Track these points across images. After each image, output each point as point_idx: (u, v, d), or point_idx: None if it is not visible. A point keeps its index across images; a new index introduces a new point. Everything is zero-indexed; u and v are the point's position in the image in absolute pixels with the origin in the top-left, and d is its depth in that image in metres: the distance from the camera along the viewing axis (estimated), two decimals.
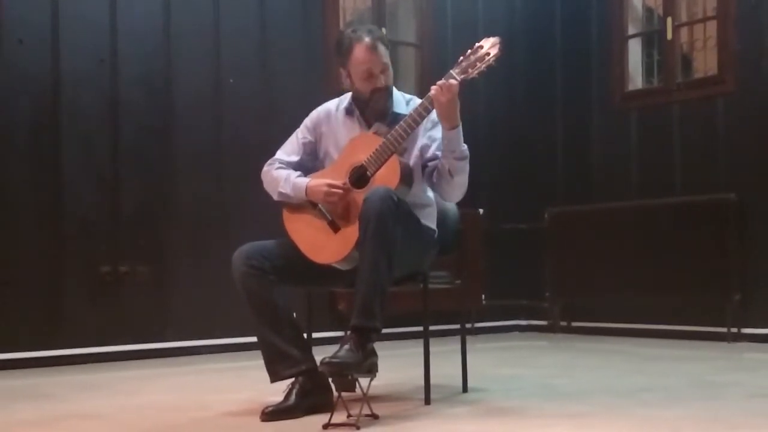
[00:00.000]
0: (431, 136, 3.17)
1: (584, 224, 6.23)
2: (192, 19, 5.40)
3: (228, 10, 5.51)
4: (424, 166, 3.17)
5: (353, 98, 3.24)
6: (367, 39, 3.11)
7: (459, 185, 3.09)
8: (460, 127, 3.02)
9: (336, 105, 3.29)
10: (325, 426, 2.75)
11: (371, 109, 3.19)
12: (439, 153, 3.11)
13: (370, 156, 3.04)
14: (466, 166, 3.06)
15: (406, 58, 6.50)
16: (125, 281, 5.09)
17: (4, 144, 4.84)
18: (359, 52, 3.11)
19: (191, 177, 5.35)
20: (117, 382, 4.25)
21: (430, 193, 3.28)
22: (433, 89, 2.98)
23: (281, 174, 3.20)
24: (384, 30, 6.02)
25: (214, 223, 5.37)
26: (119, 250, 5.10)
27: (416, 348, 3.29)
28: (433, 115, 3.10)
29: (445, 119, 3.01)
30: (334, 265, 3.06)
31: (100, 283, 5.02)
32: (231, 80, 5.51)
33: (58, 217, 4.94)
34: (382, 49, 3.14)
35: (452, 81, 2.97)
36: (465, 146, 3.05)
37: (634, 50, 6.36)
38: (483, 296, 5.89)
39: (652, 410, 3.06)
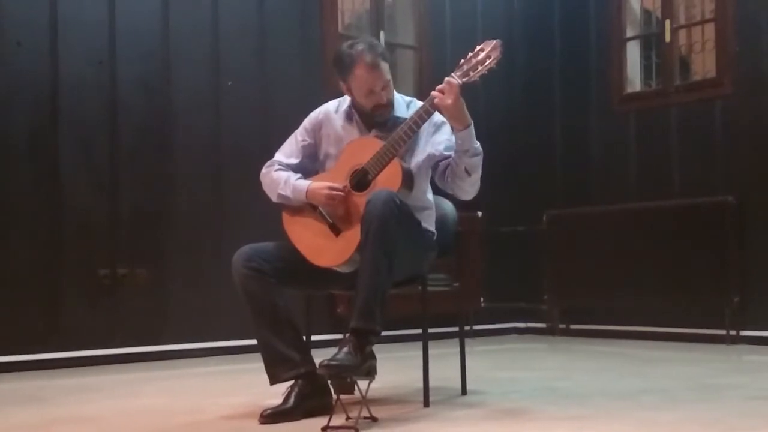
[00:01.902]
0: (435, 140, 3.17)
1: (583, 227, 6.23)
2: (191, 21, 5.40)
3: (227, 12, 5.51)
4: (434, 168, 3.17)
5: (353, 105, 3.23)
6: (368, 57, 3.06)
7: (475, 182, 3.11)
8: (472, 126, 3.03)
9: (336, 107, 3.28)
10: (324, 428, 2.74)
11: (372, 121, 3.18)
12: (447, 153, 3.12)
13: (371, 159, 3.04)
14: (480, 162, 3.08)
15: (405, 60, 6.50)
16: (124, 284, 5.09)
17: (3, 146, 4.84)
18: (361, 70, 3.07)
19: (190, 179, 5.35)
20: (114, 385, 4.24)
21: (430, 196, 3.28)
22: (435, 95, 2.98)
23: (281, 176, 3.20)
24: (382, 34, 6.07)
25: (213, 225, 5.37)
26: (118, 253, 5.10)
27: (415, 350, 3.29)
28: (435, 117, 3.11)
29: (456, 120, 3.01)
30: (334, 268, 3.06)
31: (98, 285, 5.01)
32: (229, 83, 5.50)
33: (57, 220, 4.93)
34: (383, 65, 3.09)
35: (453, 81, 2.97)
36: (478, 143, 3.06)
37: (633, 53, 6.36)
38: (482, 299, 5.89)
39: (651, 412, 3.06)
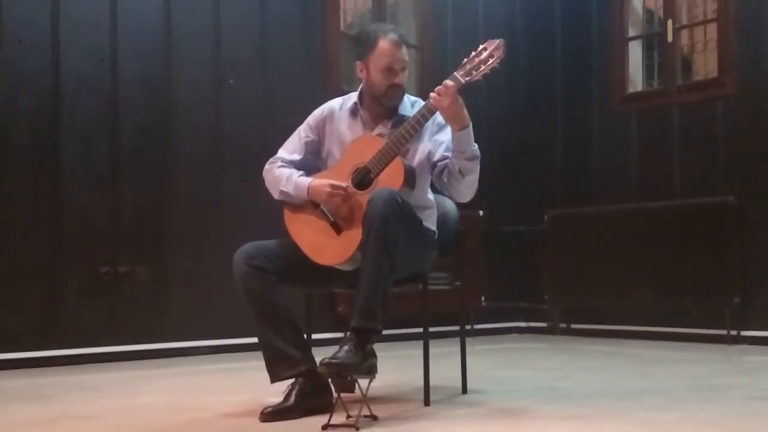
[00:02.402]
0: (437, 139, 3.18)
1: (584, 226, 6.23)
2: (192, 19, 5.40)
3: (228, 10, 5.51)
4: (432, 167, 3.17)
5: (362, 94, 3.23)
6: (392, 35, 3.15)
7: (470, 184, 3.11)
8: (470, 128, 3.03)
9: (340, 104, 3.29)
10: (325, 427, 2.75)
11: (382, 105, 3.18)
12: (447, 154, 3.12)
13: (373, 158, 3.04)
14: (477, 165, 3.08)
15: None
16: (124, 282, 5.09)
17: (4, 144, 4.84)
18: (384, 45, 3.13)
19: (191, 177, 5.35)
20: (115, 383, 4.24)
21: (431, 195, 3.28)
22: (432, 97, 2.99)
23: (283, 173, 3.20)
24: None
25: (214, 223, 5.37)
26: (118, 251, 5.09)
27: (416, 349, 3.29)
28: (439, 118, 3.11)
29: (453, 121, 3.01)
30: (335, 266, 3.06)
31: (99, 283, 5.01)
32: (231, 81, 5.50)
33: (58, 217, 4.93)
34: (405, 47, 3.17)
35: (448, 82, 2.97)
36: (476, 146, 3.06)
37: (635, 52, 6.36)
38: (482, 298, 5.89)
39: (652, 412, 3.05)
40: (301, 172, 3.20)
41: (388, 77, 3.13)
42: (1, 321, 4.71)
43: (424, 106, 3.05)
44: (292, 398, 2.98)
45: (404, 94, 3.21)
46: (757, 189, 5.49)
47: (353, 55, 3.26)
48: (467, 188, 3.12)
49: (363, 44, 3.18)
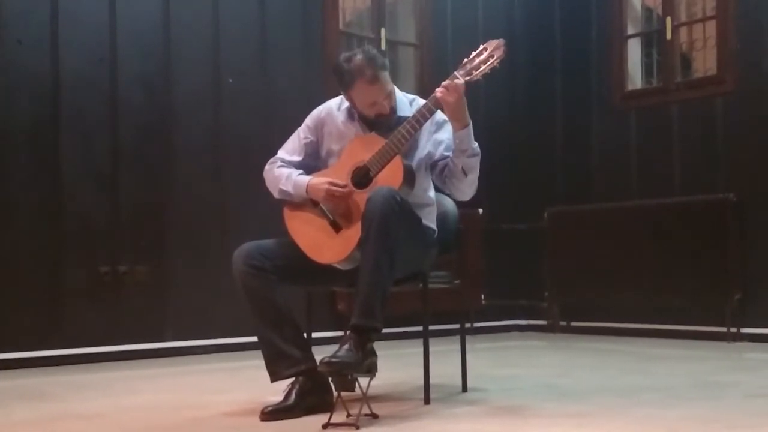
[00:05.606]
0: (436, 139, 3.18)
1: (583, 224, 6.23)
2: (191, 18, 5.39)
3: (228, 8, 5.51)
4: (432, 167, 3.18)
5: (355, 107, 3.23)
6: (368, 72, 3.04)
7: (471, 182, 3.12)
8: (471, 126, 3.04)
9: (338, 104, 3.28)
10: (325, 426, 2.75)
11: (375, 128, 3.18)
12: (447, 153, 3.12)
13: (373, 156, 3.04)
14: (478, 163, 3.09)
15: (406, 58, 6.51)
16: (124, 281, 5.09)
17: (4, 144, 4.83)
18: (361, 86, 3.07)
19: (190, 177, 5.34)
20: (115, 382, 4.25)
21: (431, 193, 3.28)
22: (439, 91, 2.99)
23: (282, 172, 3.20)
24: (383, 32, 6.07)
25: (213, 223, 5.37)
26: (118, 250, 5.09)
27: (416, 348, 3.29)
28: (437, 116, 3.12)
29: (456, 119, 3.02)
30: (335, 265, 3.06)
31: (99, 283, 5.01)
32: (230, 80, 5.50)
33: (58, 217, 4.93)
34: (383, 76, 3.08)
35: (458, 81, 2.97)
36: (476, 144, 3.07)
37: (634, 50, 6.36)
38: (482, 296, 5.90)
39: (652, 410, 3.06)
40: (300, 171, 3.21)
41: (374, 109, 3.12)
42: (2, 320, 4.71)
43: (423, 105, 3.05)
44: (293, 397, 2.99)
45: (395, 114, 3.16)
46: (757, 186, 5.49)
47: (337, 86, 3.18)
48: (469, 186, 3.13)
49: (341, 81, 3.12)
